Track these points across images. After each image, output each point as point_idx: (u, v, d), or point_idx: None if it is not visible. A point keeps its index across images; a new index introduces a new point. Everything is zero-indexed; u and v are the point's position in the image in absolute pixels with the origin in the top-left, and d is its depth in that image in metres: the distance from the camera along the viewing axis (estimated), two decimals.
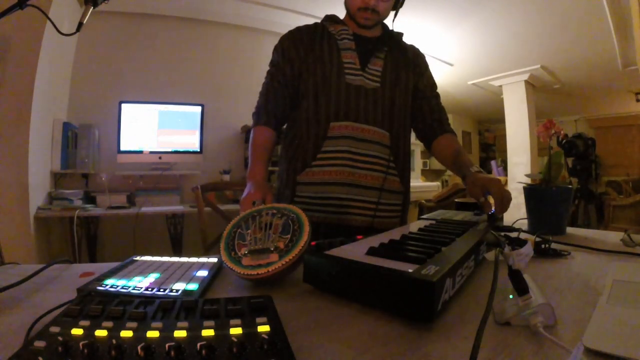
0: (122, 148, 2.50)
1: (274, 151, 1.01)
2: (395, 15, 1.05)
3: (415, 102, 1.08)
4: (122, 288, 0.49)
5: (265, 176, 0.93)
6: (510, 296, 0.43)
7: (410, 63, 1.07)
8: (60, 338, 0.29)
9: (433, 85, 1.12)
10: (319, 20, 1.08)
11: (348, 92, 0.96)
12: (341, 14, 1.06)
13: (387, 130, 0.99)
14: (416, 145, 3.83)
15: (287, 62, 1.01)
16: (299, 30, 1.04)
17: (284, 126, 1.08)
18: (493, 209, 0.87)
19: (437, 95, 1.12)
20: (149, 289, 0.48)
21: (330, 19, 1.06)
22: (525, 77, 4.53)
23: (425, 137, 1.10)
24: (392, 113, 1.00)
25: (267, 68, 1.04)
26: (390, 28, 1.09)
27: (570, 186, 0.95)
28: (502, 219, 0.94)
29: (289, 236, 0.57)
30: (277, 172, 1.10)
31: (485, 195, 0.85)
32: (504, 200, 0.82)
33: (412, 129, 1.12)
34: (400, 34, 1.09)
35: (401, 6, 1.04)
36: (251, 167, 0.94)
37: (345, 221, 0.96)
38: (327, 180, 0.95)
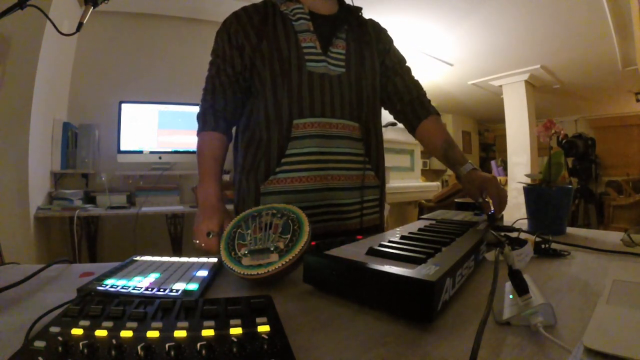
0: (122, 148, 2.50)
1: (224, 157, 0.88)
2: None
3: (387, 81, 0.98)
4: (122, 288, 0.49)
5: (219, 195, 0.81)
6: (510, 296, 0.43)
7: (372, 40, 0.95)
8: (60, 338, 0.29)
9: (402, 59, 1.01)
10: None
11: (311, 83, 0.83)
12: None
13: (356, 121, 0.88)
14: (416, 145, 3.82)
15: (236, 51, 0.86)
16: (245, 11, 0.88)
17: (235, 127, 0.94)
18: (492, 209, 0.87)
19: (409, 70, 1.01)
20: (149, 289, 0.48)
21: None
22: (525, 77, 4.53)
23: (407, 119, 1.00)
24: (360, 100, 0.89)
25: None
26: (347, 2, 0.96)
27: (570, 186, 0.95)
28: (502, 218, 0.94)
29: (289, 236, 0.57)
30: (232, 180, 0.97)
31: (483, 195, 0.85)
32: (502, 199, 0.81)
33: (389, 112, 1.03)
34: (359, 9, 0.96)
35: None
36: (201, 187, 0.82)
37: (327, 229, 0.86)
38: (297, 187, 0.84)
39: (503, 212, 0.87)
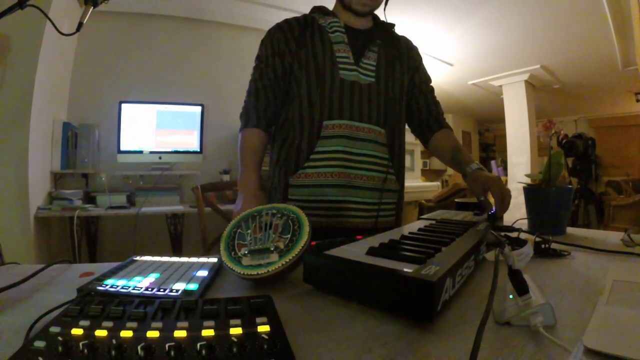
0: (122, 148, 2.50)
1: (264, 152, 0.96)
2: (386, 3, 1.01)
3: (412, 98, 1.05)
4: (122, 288, 0.49)
5: (258, 185, 0.89)
6: (510, 296, 0.43)
7: (404, 56, 1.03)
8: (60, 338, 0.29)
9: (428, 79, 1.09)
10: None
11: (342, 89, 0.92)
12: (329, 4, 1.03)
13: (382, 127, 0.95)
14: (416, 145, 3.83)
15: (278, 57, 0.95)
16: (288, 23, 0.97)
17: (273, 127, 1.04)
18: (494, 208, 0.87)
19: (432, 90, 1.09)
20: (149, 289, 0.48)
21: (320, 10, 1.00)
22: (525, 77, 4.53)
23: (422, 133, 1.08)
24: (387, 109, 0.96)
25: None
26: (382, 19, 1.04)
27: (570, 186, 0.95)
28: (502, 218, 0.94)
29: (289, 236, 0.57)
30: (268, 174, 1.05)
31: (485, 194, 0.86)
32: (505, 199, 0.82)
33: (407, 125, 1.09)
34: (392, 25, 1.05)
35: None
36: (242, 176, 0.90)
37: (343, 224, 0.92)
38: (321, 182, 0.91)
39: (492, 210, 0.87)
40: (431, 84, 1.09)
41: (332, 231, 0.90)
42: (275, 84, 0.95)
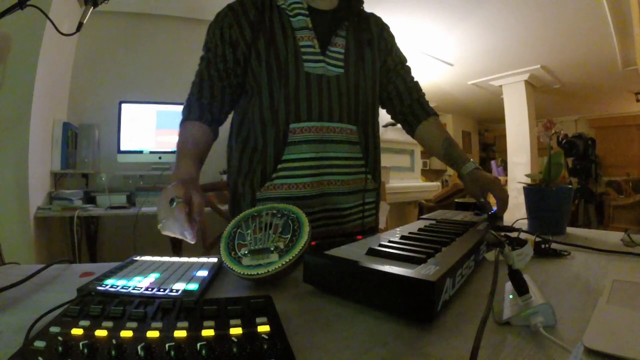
0: (122, 148, 2.50)
1: (207, 148, 0.83)
2: None
3: (388, 82, 0.96)
4: (122, 288, 0.49)
5: (192, 173, 0.71)
6: (510, 296, 0.43)
7: (374, 38, 0.92)
8: (60, 338, 0.29)
9: (403, 59, 0.99)
10: None
11: (309, 85, 0.80)
12: None
13: (353, 124, 0.86)
14: (416, 145, 3.82)
15: (229, 46, 0.81)
16: (241, 4, 0.83)
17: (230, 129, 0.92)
18: (495, 208, 0.87)
19: (410, 70, 0.99)
20: (149, 289, 0.48)
21: None
22: (525, 77, 4.53)
23: (406, 121, 0.99)
24: (358, 102, 0.86)
25: None
26: None
27: (570, 186, 0.95)
28: (501, 218, 0.95)
29: (289, 236, 0.57)
30: (228, 182, 0.93)
31: (484, 195, 0.86)
32: (505, 201, 0.82)
33: (388, 113, 1.02)
34: (360, 2, 0.91)
35: None
36: (175, 167, 0.73)
37: (326, 234, 0.85)
38: (293, 194, 0.81)
39: (492, 210, 0.88)
40: (407, 64, 1.00)
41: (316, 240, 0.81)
42: (225, 76, 0.82)
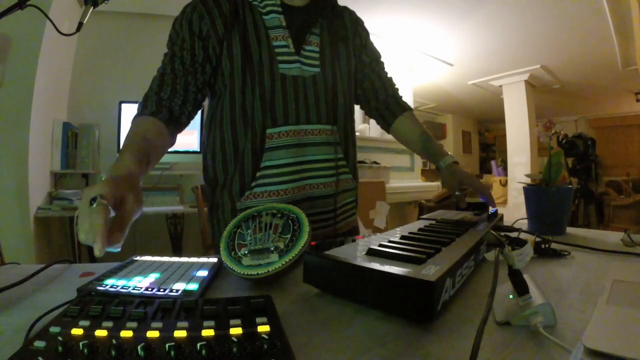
0: None
1: (159, 149, 0.69)
2: None
3: (364, 79, 0.94)
4: (122, 288, 0.49)
5: (132, 169, 0.58)
6: (510, 296, 0.43)
7: (349, 34, 0.90)
8: (60, 338, 0.29)
9: (377, 55, 0.97)
10: None
11: (284, 87, 0.77)
12: None
13: (332, 124, 0.84)
14: None
15: (198, 40, 0.75)
16: None
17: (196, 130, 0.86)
18: (495, 208, 0.88)
19: (383, 65, 0.98)
20: (149, 289, 0.48)
21: None
22: (525, 77, 4.54)
23: (382, 116, 0.98)
24: (335, 101, 0.84)
25: None
26: None
27: (570, 186, 0.95)
28: (502, 218, 0.95)
29: (289, 236, 0.57)
30: (205, 194, 0.88)
31: (460, 189, 0.87)
32: (488, 192, 0.86)
33: (362, 109, 1.01)
34: None
35: None
36: (115, 161, 0.60)
37: (319, 237, 0.82)
38: (278, 200, 0.78)
39: (492, 210, 0.90)
40: (382, 59, 0.99)
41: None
42: (191, 70, 0.75)
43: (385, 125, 1.00)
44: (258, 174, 0.79)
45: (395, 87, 1.00)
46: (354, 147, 0.92)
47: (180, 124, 0.76)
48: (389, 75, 1.00)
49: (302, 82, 0.80)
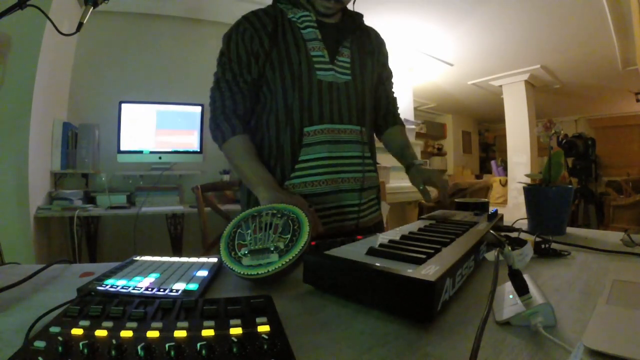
0: (122, 148, 2.50)
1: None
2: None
3: (376, 92, 1.05)
4: (122, 288, 0.49)
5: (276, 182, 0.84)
6: (510, 296, 0.43)
7: (375, 50, 1.02)
8: (60, 338, 0.29)
9: (391, 75, 1.11)
10: None
11: (320, 91, 0.88)
12: None
13: (360, 125, 0.93)
14: (415, 145, 3.82)
15: (253, 58, 0.87)
16: (257, 17, 0.88)
17: None
18: (495, 208, 0.88)
19: (392, 85, 1.12)
20: (149, 289, 0.48)
21: (288, 0, 0.92)
22: (525, 77, 4.54)
23: (377, 125, 1.10)
24: (363, 105, 0.94)
25: None
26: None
27: (570, 186, 0.95)
28: (502, 218, 0.95)
29: (289, 236, 0.57)
30: (240, 187, 0.98)
31: (424, 183, 0.95)
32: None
33: None
34: (361, 15, 0.99)
35: None
36: (251, 170, 0.84)
37: (341, 229, 0.91)
38: (310, 191, 0.88)
39: (492, 210, 0.92)
40: (392, 80, 1.12)
41: (320, 238, 0.83)
42: (252, 87, 0.89)
43: (378, 133, 1.13)
44: (296, 166, 0.88)
45: (397, 106, 1.13)
46: (373, 147, 1.02)
47: (248, 123, 0.94)
48: (394, 95, 1.13)
49: (336, 87, 0.90)
